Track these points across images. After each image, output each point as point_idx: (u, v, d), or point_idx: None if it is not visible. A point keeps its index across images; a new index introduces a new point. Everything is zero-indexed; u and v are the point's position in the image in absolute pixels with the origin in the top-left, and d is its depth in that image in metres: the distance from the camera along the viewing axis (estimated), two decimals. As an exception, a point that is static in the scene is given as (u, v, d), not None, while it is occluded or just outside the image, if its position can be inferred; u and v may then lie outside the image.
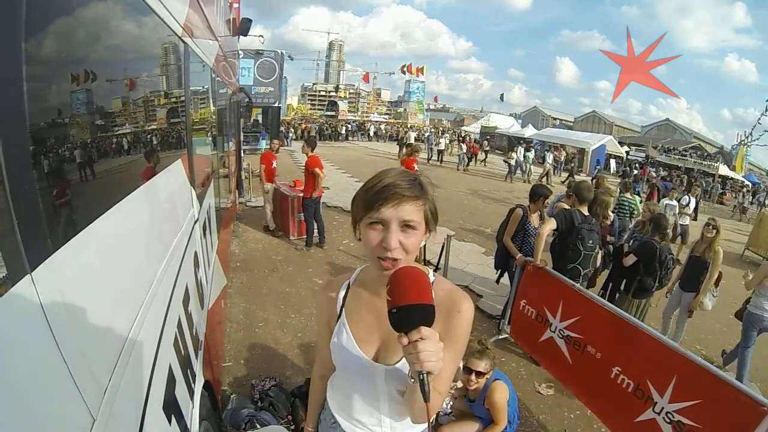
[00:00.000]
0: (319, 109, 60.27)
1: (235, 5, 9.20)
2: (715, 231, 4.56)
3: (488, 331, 4.84)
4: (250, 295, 5.32)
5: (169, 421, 1.37)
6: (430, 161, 21.95)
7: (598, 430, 3.47)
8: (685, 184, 20.33)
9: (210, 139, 3.85)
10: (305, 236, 7.16)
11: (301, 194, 6.99)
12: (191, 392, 1.82)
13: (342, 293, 1.30)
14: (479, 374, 2.92)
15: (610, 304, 3.53)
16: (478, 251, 7.88)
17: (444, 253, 5.43)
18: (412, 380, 0.93)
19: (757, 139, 25.45)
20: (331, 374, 1.45)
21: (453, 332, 1.15)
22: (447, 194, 12.88)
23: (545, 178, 18.23)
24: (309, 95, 64.15)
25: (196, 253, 2.31)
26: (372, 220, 1.05)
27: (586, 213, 4.22)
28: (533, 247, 4.24)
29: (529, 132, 32.18)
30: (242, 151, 11.79)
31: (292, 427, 3.09)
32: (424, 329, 0.91)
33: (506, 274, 4.91)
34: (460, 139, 30.59)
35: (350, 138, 34.68)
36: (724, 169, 27.11)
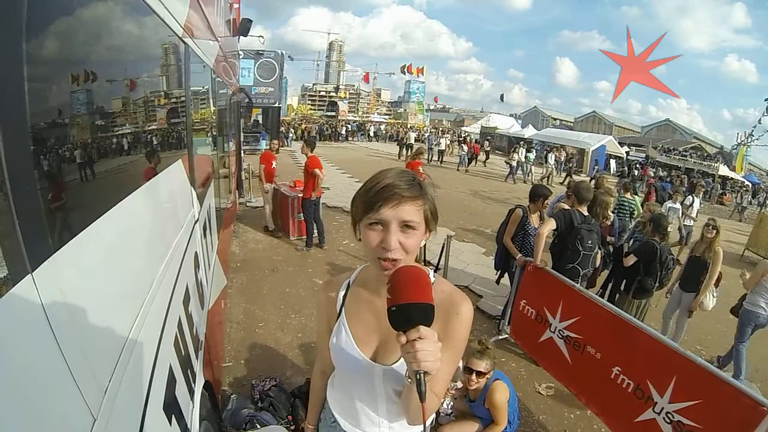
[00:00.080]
0: (319, 110, 60.17)
1: (236, 6, 9.20)
2: (715, 231, 4.57)
3: (488, 332, 4.84)
4: (250, 295, 5.32)
5: (170, 421, 1.37)
6: (431, 161, 21.95)
7: (598, 430, 3.47)
8: (685, 185, 20.32)
9: (210, 139, 3.85)
10: (305, 236, 7.16)
11: (301, 194, 7.00)
12: (191, 392, 1.82)
13: (342, 293, 1.30)
14: (480, 374, 2.92)
15: (610, 305, 3.53)
16: (478, 252, 7.88)
17: (444, 253, 5.43)
18: (409, 380, 0.93)
19: (757, 138, 25.48)
20: (331, 372, 1.45)
21: (452, 334, 1.15)
22: (447, 194, 12.88)
23: (546, 179, 18.26)
24: (309, 95, 64.03)
25: (196, 253, 2.31)
26: (372, 221, 1.06)
27: (586, 213, 4.22)
28: (533, 248, 4.24)
29: (529, 132, 32.15)
30: (242, 152, 11.78)
31: (293, 428, 3.10)
32: (422, 329, 0.91)
33: (506, 275, 4.91)
34: (461, 139, 30.60)
35: (350, 138, 34.70)
36: (724, 170, 27.09)
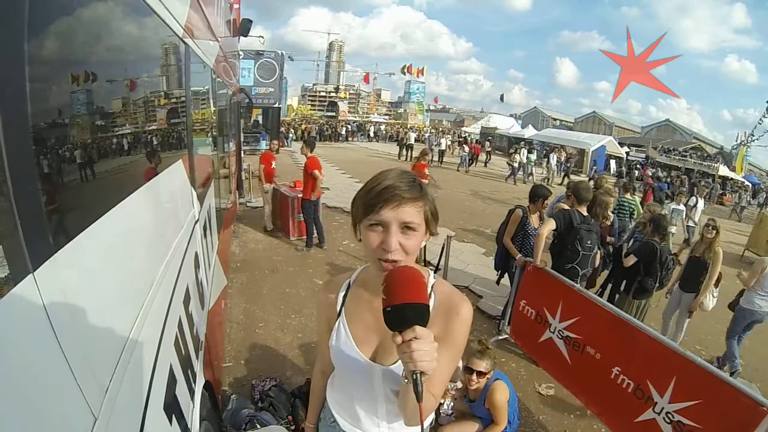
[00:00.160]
0: (319, 110, 60.22)
1: (236, 6, 9.19)
2: (714, 232, 4.57)
3: (488, 332, 4.84)
4: (251, 295, 5.33)
5: (170, 421, 1.37)
6: (431, 162, 21.93)
7: (598, 430, 3.48)
8: (686, 185, 20.31)
9: (210, 139, 3.85)
10: (305, 237, 7.16)
11: (301, 195, 7.00)
12: (192, 392, 1.82)
13: (342, 293, 1.31)
14: (480, 374, 2.92)
15: (609, 305, 3.53)
16: (478, 252, 7.88)
17: (444, 253, 5.43)
18: (406, 380, 0.93)
19: (757, 139, 25.48)
20: (331, 372, 1.45)
21: (451, 334, 1.15)
22: (447, 195, 12.88)
23: (547, 180, 18.27)
24: (309, 96, 64.08)
25: (196, 253, 2.31)
26: (372, 222, 1.06)
27: (585, 213, 4.23)
28: (533, 248, 4.24)
29: (529, 132, 32.14)
30: (242, 152, 11.79)
31: (293, 428, 3.10)
32: (418, 329, 0.91)
33: (506, 275, 4.91)
34: (462, 140, 30.58)
35: (350, 139, 34.69)
36: (724, 170, 27.08)
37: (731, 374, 4.52)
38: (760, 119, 24.82)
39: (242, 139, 12.72)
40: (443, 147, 23.35)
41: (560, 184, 17.35)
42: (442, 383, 1.17)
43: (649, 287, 4.39)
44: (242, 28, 8.34)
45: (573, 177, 18.22)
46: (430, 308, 1.17)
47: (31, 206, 0.69)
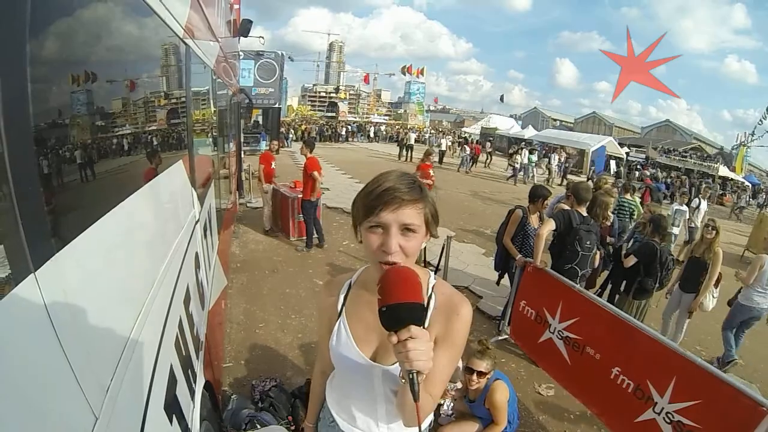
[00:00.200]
0: (319, 110, 60.21)
1: (236, 6, 9.20)
2: (714, 232, 4.58)
3: (488, 332, 4.84)
4: (251, 295, 5.33)
5: (170, 421, 1.38)
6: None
7: (598, 430, 3.48)
8: (686, 186, 20.32)
9: (211, 140, 3.86)
10: (305, 237, 7.17)
11: (301, 195, 7.01)
12: (192, 392, 1.82)
13: (343, 293, 1.31)
14: (480, 374, 2.93)
15: (609, 305, 3.54)
16: (478, 252, 7.89)
17: (444, 254, 5.43)
18: (403, 380, 0.93)
19: (758, 139, 25.50)
20: (331, 372, 1.45)
21: (451, 335, 1.16)
22: (447, 195, 12.89)
23: (547, 180, 18.29)
24: (309, 96, 64.13)
25: (197, 253, 2.32)
26: (372, 224, 1.06)
27: (585, 214, 4.23)
28: (533, 248, 4.25)
29: (529, 133, 32.13)
30: (242, 152, 11.80)
31: (293, 428, 3.10)
32: (414, 328, 0.91)
33: (506, 276, 4.92)
34: (462, 140, 30.57)
35: (350, 139, 34.71)
36: (724, 170, 27.10)
37: (727, 363, 4.68)
38: (760, 120, 24.81)
39: (242, 140, 12.73)
40: (443, 148, 23.33)
41: (560, 185, 17.36)
42: (441, 384, 1.17)
43: (649, 287, 4.39)
44: (242, 28, 8.35)
45: (571, 177, 18.25)
46: (431, 309, 1.18)
47: (32, 206, 0.69)
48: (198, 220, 2.44)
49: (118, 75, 1.28)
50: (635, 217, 6.79)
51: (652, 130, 53.59)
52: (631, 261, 4.44)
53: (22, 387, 0.62)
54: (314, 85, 65.71)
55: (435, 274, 1.28)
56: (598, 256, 4.55)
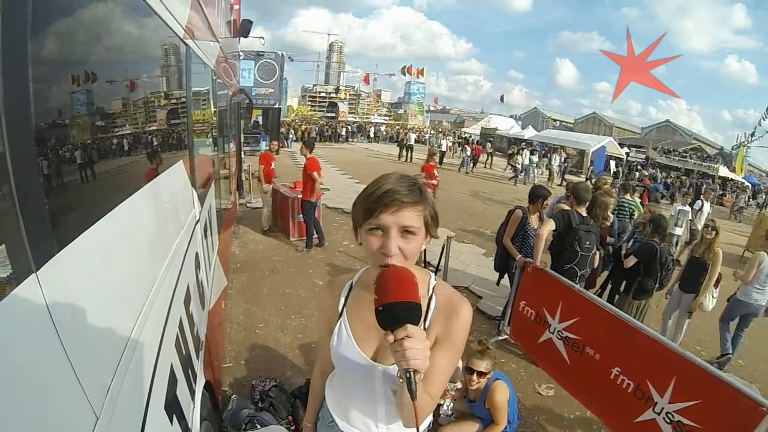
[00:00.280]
0: (319, 111, 60.17)
1: (236, 7, 9.21)
2: (714, 232, 4.58)
3: (488, 333, 4.85)
4: (251, 296, 5.33)
5: (171, 421, 1.38)
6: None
7: (598, 430, 3.48)
8: (686, 186, 20.34)
9: (211, 140, 3.86)
10: (305, 237, 7.17)
11: (301, 196, 7.01)
12: (192, 392, 1.82)
13: (344, 293, 1.31)
14: (480, 374, 2.93)
15: (609, 305, 3.54)
16: (478, 253, 7.89)
17: (444, 254, 5.44)
18: (401, 380, 0.93)
19: (758, 139, 25.52)
20: (331, 372, 1.46)
21: (451, 335, 1.16)
22: (447, 196, 12.88)
23: (550, 180, 18.31)
24: (309, 96, 64.03)
25: (197, 253, 2.32)
26: (372, 226, 1.06)
27: (584, 214, 4.23)
28: (533, 248, 4.25)
29: (529, 133, 32.12)
30: (242, 153, 11.80)
31: (293, 428, 3.10)
32: (410, 327, 0.92)
33: (506, 276, 4.92)
34: (463, 141, 30.58)
35: (350, 139, 34.73)
36: (724, 171, 27.13)
37: (722, 356, 4.77)
38: (760, 120, 24.84)
39: (242, 140, 12.74)
40: (444, 148, 23.32)
41: (560, 185, 17.36)
42: (441, 384, 1.17)
43: (648, 288, 4.40)
44: (242, 29, 8.35)
45: (570, 178, 18.26)
46: (431, 310, 1.18)
47: (34, 206, 0.69)
48: (198, 220, 2.44)
49: (120, 75, 1.28)
50: (635, 217, 6.79)
51: (652, 130, 53.66)
52: (631, 261, 4.44)
53: (23, 386, 0.63)
54: (314, 85, 65.62)
55: (435, 274, 1.29)
56: (597, 257, 4.55)
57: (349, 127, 37.77)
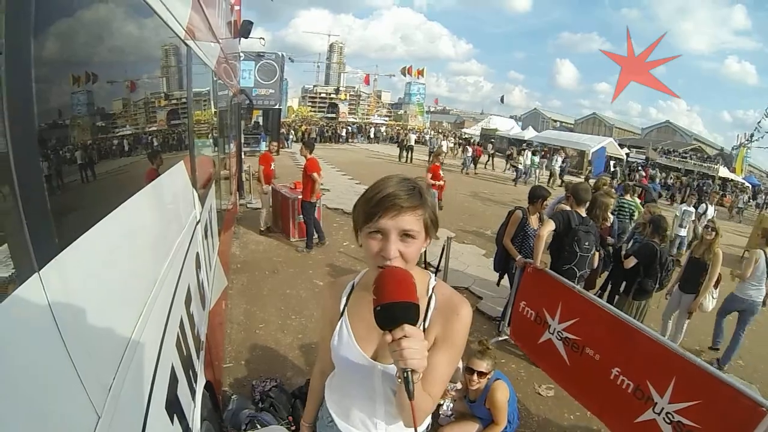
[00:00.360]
0: (319, 111, 60.12)
1: (237, 8, 9.22)
2: (714, 233, 4.59)
3: (488, 333, 4.85)
4: (251, 296, 5.33)
5: (171, 421, 1.38)
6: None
7: (598, 431, 3.48)
8: (692, 188, 20.32)
9: (211, 141, 3.86)
10: (306, 238, 7.18)
11: (301, 196, 7.02)
12: (193, 392, 1.83)
13: (346, 293, 1.32)
14: (481, 374, 2.93)
15: (609, 306, 3.54)
16: (479, 253, 7.89)
17: (444, 255, 5.44)
18: (399, 380, 0.94)
19: (758, 140, 25.53)
20: (331, 372, 1.46)
21: (451, 335, 1.17)
22: (447, 197, 12.82)
23: (548, 181, 18.30)
24: (309, 97, 63.92)
25: (198, 254, 2.32)
26: (372, 230, 1.07)
27: (584, 215, 4.23)
28: (533, 249, 4.25)
29: (530, 134, 32.14)
30: (243, 153, 11.81)
31: (293, 428, 3.10)
32: (408, 327, 0.93)
33: (506, 276, 4.92)
34: (464, 141, 30.55)
35: (350, 140, 34.75)
36: (724, 171, 27.13)
37: (716, 347, 5.01)
38: (760, 121, 24.85)
39: (243, 141, 12.74)
40: (444, 149, 23.32)
41: (560, 186, 17.35)
42: (441, 384, 1.17)
43: (648, 288, 4.40)
44: (243, 29, 8.36)
45: (569, 178, 18.25)
46: (431, 310, 1.19)
47: (36, 206, 0.70)
48: (199, 220, 2.44)
49: (121, 76, 1.29)
50: (635, 217, 6.79)
51: (652, 131, 53.74)
52: (631, 262, 4.44)
53: (26, 385, 0.63)
54: (314, 86, 65.47)
55: (435, 274, 1.29)
56: (596, 257, 4.56)
57: (350, 128, 37.75)
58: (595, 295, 4.22)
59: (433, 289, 1.23)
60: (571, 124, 62.73)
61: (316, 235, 7.15)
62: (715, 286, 4.65)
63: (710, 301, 4.66)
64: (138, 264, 1.28)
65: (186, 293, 1.85)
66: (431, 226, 1.13)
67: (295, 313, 4.94)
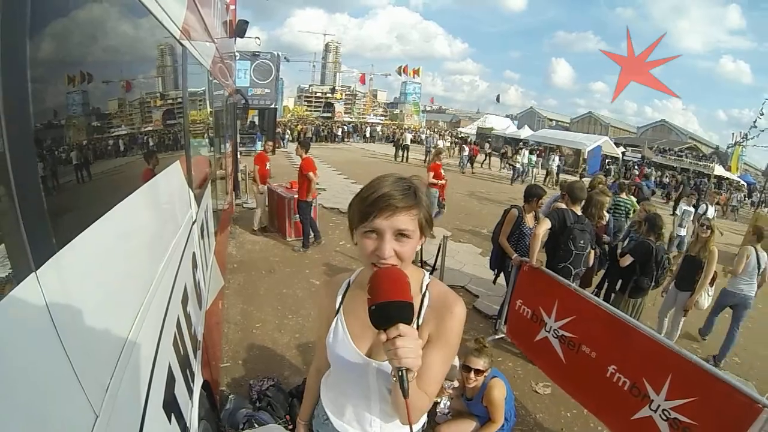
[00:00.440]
0: (315, 111, 60.10)
1: (232, 7, 9.19)
2: (709, 231, 4.61)
3: (485, 331, 4.86)
4: (248, 296, 5.33)
5: (169, 420, 1.38)
6: (426, 163, 21.93)
7: (595, 428, 3.49)
8: (680, 184, 20.41)
9: (207, 140, 3.85)
10: (302, 237, 7.17)
11: (297, 196, 7.01)
12: (190, 392, 1.83)
13: (341, 292, 1.33)
14: (478, 372, 2.94)
15: (605, 304, 3.56)
16: (475, 252, 7.90)
17: (440, 253, 5.45)
18: (394, 378, 0.94)
19: (753, 138, 25.65)
20: (327, 370, 1.46)
21: (445, 333, 1.17)
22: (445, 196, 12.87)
23: (544, 180, 18.36)
24: (305, 97, 63.93)
25: (194, 253, 2.32)
26: (367, 230, 1.08)
27: (579, 213, 4.25)
28: (529, 248, 4.26)
29: (526, 133, 32.19)
30: (239, 153, 11.79)
31: (290, 427, 3.10)
32: (402, 326, 0.93)
33: (502, 275, 4.93)
34: (461, 141, 30.59)
35: (346, 139, 34.73)
36: (719, 170, 27.24)
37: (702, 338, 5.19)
38: (755, 120, 24.96)
39: (239, 140, 12.72)
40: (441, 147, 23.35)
41: (556, 184, 17.41)
42: (436, 382, 1.18)
43: (644, 286, 4.42)
44: (238, 29, 8.35)
45: (563, 177, 18.31)
46: (425, 307, 1.19)
47: (33, 206, 0.70)
48: (195, 220, 2.44)
49: (117, 76, 1.29)
50: (631, 215, 6.81)
51: (647, 129, 53.93)
52: (627, 260, 4.46)
53: (23, 385, 0.63)
54: (310, 85, 65.51)
55: (431, 273, 1.30)
56: (592, 255, 4.57)
57: (345, 128, 37.74)
58: (591, 293, 4.24)
59: (427, 286, 1.24)
60: (567, 122, 62.87)
61: (312, 234, 7.14)
62: (711, 284, 4.68)
63: (706, 298, 4.70)
64: (135, 264, 1.28)
65: (183, 293, 1.85)
66: (426, 226, 1.13)
67: (291, 313, 4.94)
